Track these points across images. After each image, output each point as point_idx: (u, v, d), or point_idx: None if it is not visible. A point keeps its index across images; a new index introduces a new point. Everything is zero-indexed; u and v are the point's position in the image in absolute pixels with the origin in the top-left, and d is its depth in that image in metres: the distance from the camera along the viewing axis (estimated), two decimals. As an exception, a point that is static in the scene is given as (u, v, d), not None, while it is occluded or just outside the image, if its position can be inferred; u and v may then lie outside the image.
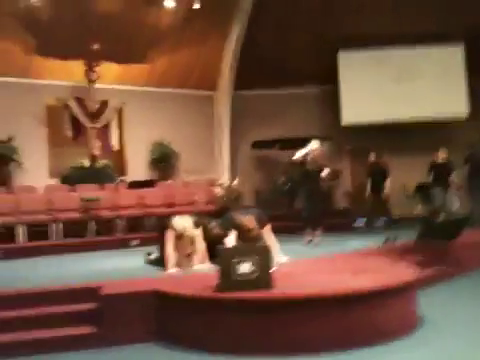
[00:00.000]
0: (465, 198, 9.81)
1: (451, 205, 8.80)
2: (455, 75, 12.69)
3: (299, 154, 7.70)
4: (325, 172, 7.62)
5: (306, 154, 7.65)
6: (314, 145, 7.74)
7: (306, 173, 7.67)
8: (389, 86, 12.77)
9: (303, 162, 7.66)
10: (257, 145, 12.76)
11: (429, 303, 4.29)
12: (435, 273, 5.50)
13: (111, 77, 11.48)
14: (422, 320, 3.86)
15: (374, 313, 3.43)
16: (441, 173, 9.42)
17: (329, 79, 13.04)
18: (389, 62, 12.85)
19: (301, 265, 4.98)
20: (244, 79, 12.57)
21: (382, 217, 10.16)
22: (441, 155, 9.65)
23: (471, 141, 9.94)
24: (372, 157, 10.88)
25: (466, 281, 5.56)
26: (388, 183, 10.37)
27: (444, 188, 9.34)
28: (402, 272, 4.06)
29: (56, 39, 10.09)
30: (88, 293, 4.05)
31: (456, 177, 9.45)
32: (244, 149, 13.30)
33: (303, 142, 12.87)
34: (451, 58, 12.74)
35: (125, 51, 11.11)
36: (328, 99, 13.34)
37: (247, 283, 3.55)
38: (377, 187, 10.32)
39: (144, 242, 7.93)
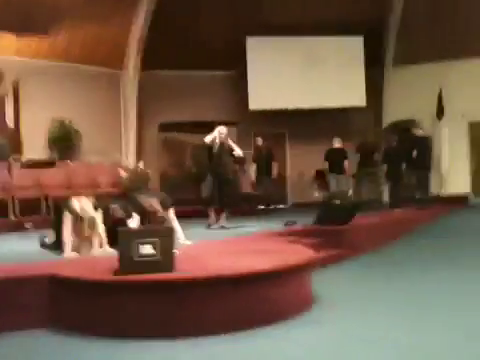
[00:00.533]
0: (355, 184, 10.48)
1: (345, 190, 9.35)
2: (355, 65, 13.43)
3: (209, 137, 7.71)
4: (238, 151, 7.73)
5: (214, 138, 7.68)
6: (222, 129, 7.75)
7: (213, 157, 7.68)
8: (294, 73, 13.19)
9: (210, 146, 7.69)
10: (164, 127, 12.61)
11: (323, 284, 4.53)
12: (329, 255, 5.82)
13: (7, 49, 10.68)
14: (316, 300, 4.06)
15: (270, 293, 3.55)
16: (336, 160, 9.96)
17: (237, 64, 13.18)
18: (294, 50, 13.26)
19: (203, 248, 5.01)
20: (153, 59, 12.32)
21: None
22: (336, 143, 10.19)
23: (363, 130, 10.58)
24: (259, 141, 11.09)
25: (358, 263, 5.93)
26: (274, 167, 10.72)
27: (339, 174, 9.91)
28: (298, 253, 4.23)
29: None
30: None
31: (348, 164, 10.05)
32: (151, 131, 13.09)
33: (211, 126, 12.97)
34: (352, 48, 13.43)
35: (23, 21, 10.39)
36: (237, 84, 13.49)
37: (148, 265, 3.49)
38: (263, 171, 10.56)
39: (39, 225, 7.55)
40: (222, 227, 7.46)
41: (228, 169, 7.76)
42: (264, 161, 10.58)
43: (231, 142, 7.81)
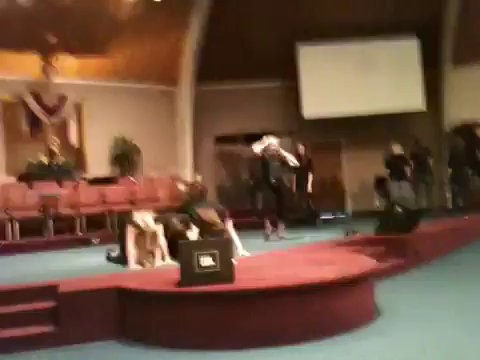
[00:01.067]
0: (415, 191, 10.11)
1: (408, 198, 9.06)
2: (411, 68, 13.02)
3: (257, 148, 7.66)
4: (292, 161, 7.67)
5: (264, 149, 7.61)
6: (271, 139, 7.70)
7: (267, 167, 7.64)
8: (347, 79, 12.97)
9: (263, 157, 7.66)
10: (220, 140, 12.77)
11: (388, 294, 4.41)
12: (393, 264, 5.65)
13: (69, 71, 11.21)
14: (380, 311, 3.95)
15: (333, 304, 3.49)
16: (397, 166, 9.68)
17: (289, 73, 13.16)
18: (347, 55, 13.05)
19: (263, 259, 5.01)
20: (205, 73, 12.53)
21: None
22: (396, 150, 9.90)
23: (416, 137, 10.23)
24: (300, 150, 10.30)
25: (423, 272, 5.73)
26: (310, 178, 10.06)
27: (401, 181, 9.62)
28: (360, 263, 4.14)
29: (9, 31, 9.76)
30: (47, 291, 3.96)
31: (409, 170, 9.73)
32: (207, 144, 13.28)
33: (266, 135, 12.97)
34: (407, 50, 13.06)
35: (83, 44, 10.87)
36: (289, 93, 13.46)
37: (209, 276, 3.55)
38: (300, 182, 9.90)
39: (105, 240, 7.82)
40: (281, 238, 7.43)
41: (282, 180, 7.73)
42: (302, 171, 9.81)
43: (283, 152, 7.76)
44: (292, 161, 7.73)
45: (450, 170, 9.38)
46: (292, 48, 12.90)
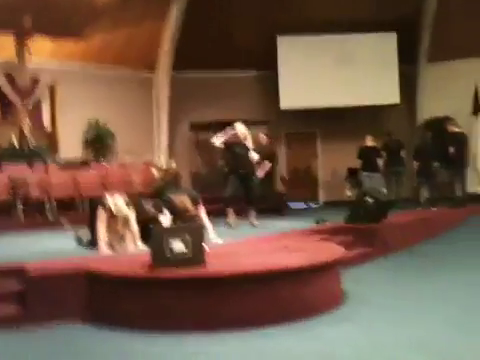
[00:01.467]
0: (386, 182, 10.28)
1: (378, 189, 9.21)
2: (388, 62, 13.18)
3: (218, 141, 7.36)
4: (253, 155, 7.40)
5: (228, 137, 7.34)
6: (239, 126, 7.48)
7: (235, 156, 7.43)
8: (326, 72, 13.07)
9: (228, 146, 7.40)
10: (196, 127, 12.73)
11: (354, 281, 4.50)
12: (361, 253, 5.77)
13: (43, 54, 10.97)
14: (347, 297, 4.04)
15: (302, 290, 3.56)
16: (369, 158, 9.81)
17: (268, 63, 13.17)
18: (326, 48, 13.13)
19: (234, 246, 5.05)
20: (183, 60, 12.43)
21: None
22: (369, 141, 10.03)
23: (388, 130, 10.38)
24: (262, 139, 9.81)
25: (391, 262, 5.86)
26: (267, 167, 9.40)
27: (372, 172, 9.77)
28: (329, 251, 4.22)
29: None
30: (15, 273, 3.91)
31: (381, 162, 9.87)
32: (182, 131, 13.22)
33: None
34: (385, 45, 13.21)
35: (59, 27, 10.64)
36: (267, 83, 13.48)
37: (180, 262, 3.56)
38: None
39: (76, 223, 7.73)
40: (252, 225, 7.44)
41: (251, 167, 7.51)
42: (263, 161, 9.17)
43: (249, 143, 7.51)
44: (252, 156, 7.43)
45: (416, 163, 9.53)
46: (271, 39, 12.91)
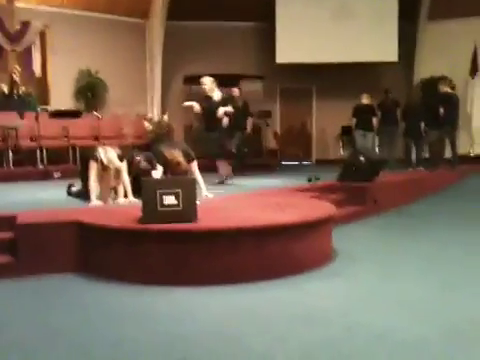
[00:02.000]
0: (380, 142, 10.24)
1: (371, 148, 9.20)
2: (388, 18, 12.91)
3: (197, 106, 6.91)
4: (219, 109, 6.87)
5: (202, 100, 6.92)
6: (204, 81, 7.03)
7: (203, 112, 6.99)
8: (324, 26, 12.79)
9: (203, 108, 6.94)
10: (189, 80, 12.49)
11: (345, 239, 4.56)
12: (352, 211, 5.81)
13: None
14: (337, 254, 4.09)
15: (292, 246, 3.58)
16: (364, 116, 9.72)
17: (266, 15, 12.85)
18: (325, 1, 12.80)
19: (226, 201, 5.05)
20: (179, 9, 12.08)
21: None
22: (364, 99, 9.90)
23: (387, 88, 10.22)
24: (235, 92, 9.48)
25: (381, 220, 5.93)
26: (249, 122, 9.52)
27: (366, 131, 9.70)
28: (320, 208, 4.23)
29: None
30: (5, 222, 3.90)
31: (376, 121, 9.78)
32: (176, 83, 13.00)
33: (237, 78, 12.73)
34: (386, 1, 12.89)
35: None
36: (264, 36, 13.19)
37: (171, 215, 3.55)
38: (238, 125, 8.94)
39: (67, 174, 7.70)
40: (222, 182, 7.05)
41: (215, 122, 6.92)
42: (240, 114, 8.88)
43: (218, 97, 6.95)
44: (219, 109, 6.88)
45: (403, 123, 9.46)
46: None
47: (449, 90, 9.40)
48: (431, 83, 11.73)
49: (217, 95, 7.01)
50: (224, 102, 7.00)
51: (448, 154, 9.57)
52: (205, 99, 7.02)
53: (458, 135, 10.11)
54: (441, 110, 9.09)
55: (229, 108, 7.00)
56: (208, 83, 7.01)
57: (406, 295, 3.14)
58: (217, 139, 7.01)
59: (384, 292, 3.21)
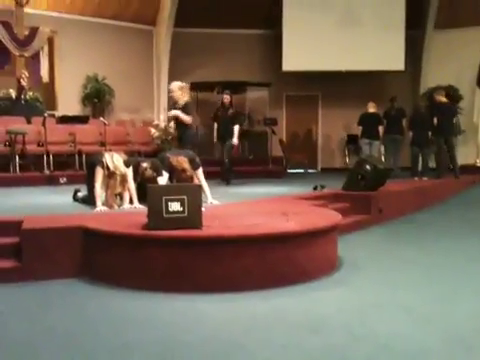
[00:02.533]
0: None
1: (377, 156, 9.17)
2: (395, 27, 12.91)
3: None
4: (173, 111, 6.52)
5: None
6: (172, 85, 6.67)
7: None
8: (331, 34, 12.81)
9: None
10: (196, 87, 12.53)
11: (350, 248, 4.55)
12: (357, 220, 5.80)
13: (42, 3, 10.71)
14: (341, 263, 4.08)
15: (297, 254, 3.58)
16: (370, 125, 9.71)
17: (272, 23, 12.91)
18: (332, 9, 12.84)
19: (231, 208, 5.05)
20: (186, 16, 12.16)
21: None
22: (371, 108, 9.89)
23: (393, 96, 10.21)
24: (225, 99, 8.71)
25: (386, 229, 5.91)
26: (236, 130, 8.42)
27: (372, 139, 9.69)
28: (326, 217, 4.22)
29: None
30: (11, 227, 3.92)
31: (382, 130, 9.76)
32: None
33: (243, 85, 12.77)
34: (393, 9, 12.91)
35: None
36: (270, 43, 13.25)
37: (176, 221, 3.56)
38: (224, 134, 8.56)
39: (73, 180, 7.74)
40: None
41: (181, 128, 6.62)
42: (228, 121, 8.39)
43: (180, 99, 6.49)
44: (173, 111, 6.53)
45: (411, 132, 9.45)
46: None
47: (444, 100, 9.38)
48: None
49: (180, 98, 6.51)
50: (184, 109, 6.51)
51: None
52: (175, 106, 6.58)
53: (456, 143, 10.05)
54: (434, 120, 9.10)
55: (175, 112, 6.50)
56: (175, 88, 6.54)
57: (410, 304, 3.13)
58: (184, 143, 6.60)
59: (388, 301, 3.19)
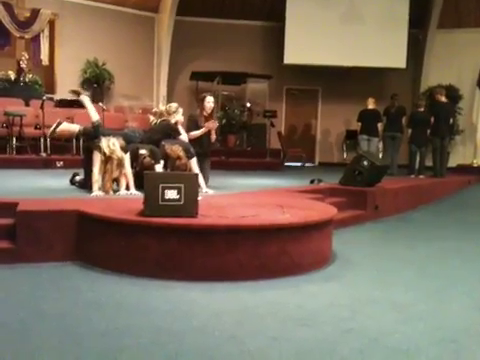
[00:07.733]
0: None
1: (375, 152, 9.17)
2: (398, 25, 12.87)
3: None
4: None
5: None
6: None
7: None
8: (333, 29, 12.76)
9: None
10: (196, 76, 12.48)
11: (344, 242, 4.55)
12: (353, 215, 5.81)
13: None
14: (335, 257, 4.08)
15: (290, 246, 3.58)
16: (369, 121, 9.69)
17: (275, 15, 12.83)
18: (336, 4, 12.77)
19: (226, 198, 5.04)
20: (188, 4, 12.08)
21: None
22: (370, 104, 9.86)
23: (394, 93, 10.18)
24: (209, 102, 6.97)
25: (381, 225, 5.93)
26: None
27: (371, 136, 9.67)
28: (321, 210, 4.22)
29: None
30: (5, 208, 3.91)
31: (381, 126, 9.75)
32: (182, 78, 12.99)
33: (243, 77, 12.69)
34: (397, 7, 12.85)
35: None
36: (272, 36, 13.18)
37: (172, 209, 3.55)
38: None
39: (70, 164, 7.71)
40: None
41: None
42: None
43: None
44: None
45: (409, 131, 9.44)
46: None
47: (443, 99, 9.36)
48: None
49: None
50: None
51: (451, 163, 9.54)
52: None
53: (452, 144, 10.04)
54: (431, 119, 9.10)
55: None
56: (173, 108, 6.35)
57: (402, 300, 3.14)
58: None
59: (380, 297, 3.20)
